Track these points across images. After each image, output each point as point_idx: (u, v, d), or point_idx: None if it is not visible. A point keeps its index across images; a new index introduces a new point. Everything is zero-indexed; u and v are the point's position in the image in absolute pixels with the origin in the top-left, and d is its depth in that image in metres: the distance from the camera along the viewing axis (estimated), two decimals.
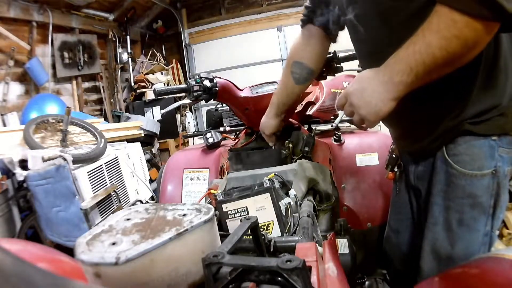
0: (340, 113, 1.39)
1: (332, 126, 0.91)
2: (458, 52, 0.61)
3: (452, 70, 0.65)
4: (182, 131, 4.97)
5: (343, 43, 1.09)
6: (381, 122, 0.85)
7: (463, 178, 0.76)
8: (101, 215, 2.24)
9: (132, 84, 5.14)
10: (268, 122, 1.16)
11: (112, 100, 4.98)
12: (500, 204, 0.77)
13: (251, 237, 0.62)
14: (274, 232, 0.81)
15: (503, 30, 0.61)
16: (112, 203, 2.39)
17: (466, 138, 0.76)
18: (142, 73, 5.16)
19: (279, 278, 0.45)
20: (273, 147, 1.21)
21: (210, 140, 1.51)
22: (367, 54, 0.88)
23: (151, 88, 4.92)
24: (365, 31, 0.80)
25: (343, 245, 0.91)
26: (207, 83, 1.19)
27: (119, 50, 5.06)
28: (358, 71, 1.96)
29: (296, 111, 1.39)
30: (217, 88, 1.21)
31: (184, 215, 0.58)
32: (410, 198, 0.99)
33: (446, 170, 0.79)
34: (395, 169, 1.01)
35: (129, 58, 5.13)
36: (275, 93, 1.16)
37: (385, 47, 0.69)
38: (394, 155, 1.01)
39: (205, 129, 1.92)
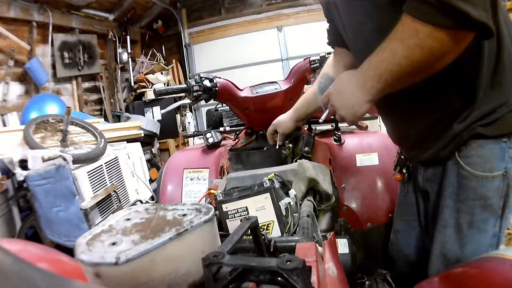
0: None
1: (319, 121, 0.94)
2: (423, 61, 0.60)
3: (425, 77, 0.65)
4: (182, 131, 4.97)
5: None
6: (382, 123, 0.85)
7: (475, 180, 0.76)
8: (101, 215, 2.24)
9: (132, 84, 5.15)
10: (287, 123, 1.18)
11: (112, 100, 4.98)
12: (509, 205, 0.77)
13: (251, 237, 0.62)
14: (274, 232, 0.81)
15: (481, 37, 0.59)
16: (112, 203, 2.39)
17: (478, 142, 0.75)
18: (142, 73, 5.17)
19: (279, 278, 0.45)
20: (276, 146, 1.21)
21: (210, 140, 1.51)
22: None
23: (151, 88, 4.93)
24: (363, 44, 0.81)
25: (343, 245, 0.91)
26: (207, 83, 1.19)
27: (119, 50, 5.06)
28: None
29: None
30: (217, 88, 1.21)
31: (184, 215, 0.58)
32: (417, 200, 0.98)
33: (458, 172, 0.78)
34: (404, 171, 1.00)
35: (129, 58, 5.13)
36: (300, 100, 1.19)
37: None
38: (402, 156, 1.00)
39: (205, 129, 1.93)
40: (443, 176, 0.83)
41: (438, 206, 0.85)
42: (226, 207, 0.83)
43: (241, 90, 1.30)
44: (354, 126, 1.61)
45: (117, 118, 4.68)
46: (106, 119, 4.54)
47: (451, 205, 0.81)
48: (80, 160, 2.26)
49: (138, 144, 3.30)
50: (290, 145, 1.19)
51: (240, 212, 0.82)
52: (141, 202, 2.70)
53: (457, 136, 0.76)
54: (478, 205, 0.77)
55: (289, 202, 0.83)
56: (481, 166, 0.75)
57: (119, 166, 2.68)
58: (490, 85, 0.73)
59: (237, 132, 1.51)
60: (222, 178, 1.26)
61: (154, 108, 4.80)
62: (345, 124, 1.62)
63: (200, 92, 1.18)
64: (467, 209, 0.78)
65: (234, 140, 1.46)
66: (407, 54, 0.60)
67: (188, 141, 4.53)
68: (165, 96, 1.29)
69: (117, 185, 2.56)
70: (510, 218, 0.79)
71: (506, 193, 0.76)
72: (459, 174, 0.78)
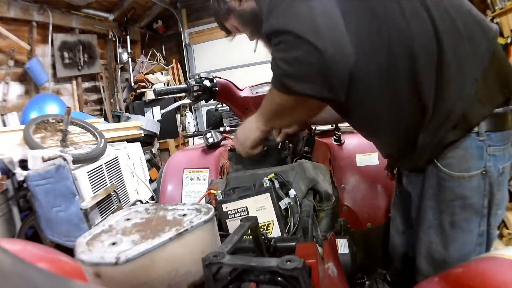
0: None
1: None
2: (279, 110, 0.81)
3: (301, 118, 0.96)
4: (182, 131, 4.97)
5: None
6: None
7: (452, 180, 0.77)
8: (101, 215, 2.24)
9: (132, 84, 5.14)
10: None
11: (112, 100, 4.98)
12: (495, 202, 0.77)
13: (251, 237, 0.62)
14: (274, 232, 0.81)
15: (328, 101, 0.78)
16: (112, 203, 2.39)
17: (454, 144, 0.76)
18: (142, 73, 5.16)
19: (279, 278, 0.45)
20: (278, 145, 1.21)
21: (210, 140, 1.50)
22: None
23: (151, 88, 4.92)
24: None
25: (343, 245, 0.91)
26: (207, 83, 1.19)
27: (119, 50, 5.06)
28: None
29: None
30: (217, 88, 1.21)
31: (184, 215, 0.58)
32: (404, 201, 1.01)
33: (436, 174, 0.80)
34: (395, 171, 1.02)
35: (129, 58, 5.13)
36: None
37: None
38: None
39: (205, 129, 1.93)
40: (424, 179, 0.84)
41: (420, 208, 0.87)
42: (226, 207, 0.83)
43: (241, 90, 1.30)
44: None
45: (117, 118, 4.68)
46: (106, 119, 4.54)
47: (433, 206, 0.82)
48: (80, 160, 2.26)
49: (138, 144, 3.30)
50: (290, 145, 1.19)
51: (240, 212, 0.83)
52: (141, 202, 2.70)
53: (428, 146, 0.77)
54: (458, 205, 0.78)
55: (289, 202, 0.83)
56: (457, 166, 0.76)
57: (119, 166, 2.68)
58: (438, 86, 0.72)
59: None
60: (222, 178, 1.26)
61: (154, 108, 4.80)
62: (346, 124, 1.62)
63: (200, 92, 1.18)
64: (448, 210, 0.79)
65: None
66: (269, 104, 0.83)
67: (188, 141, 4.52)
68: (165, 96, 1.29)
69: (117, 185, 2.56)
70: (500, 214, 0.79)
71: (490, 191, 0.76)
72: (438, 176, 0.79)
